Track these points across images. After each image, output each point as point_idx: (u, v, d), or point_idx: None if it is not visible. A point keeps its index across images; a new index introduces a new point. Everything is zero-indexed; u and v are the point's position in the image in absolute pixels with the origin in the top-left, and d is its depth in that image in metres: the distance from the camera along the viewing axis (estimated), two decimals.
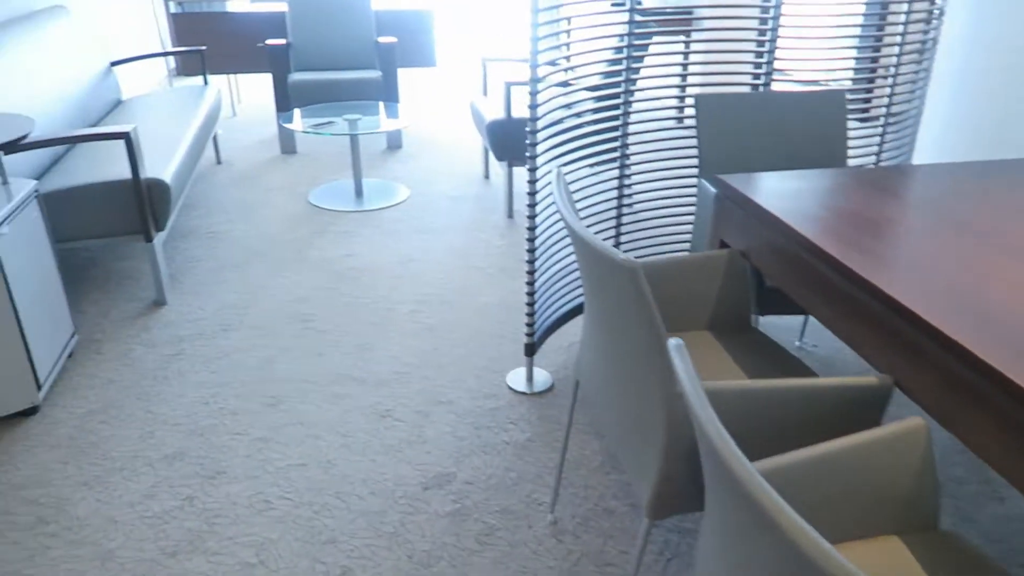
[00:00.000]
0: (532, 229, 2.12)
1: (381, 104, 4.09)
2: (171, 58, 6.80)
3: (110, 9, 5.09)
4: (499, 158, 3.55)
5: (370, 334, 2.59)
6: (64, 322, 2.38)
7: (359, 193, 3.88)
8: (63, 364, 2.36)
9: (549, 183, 2.44)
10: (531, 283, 2.18)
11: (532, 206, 2.09)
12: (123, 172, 2.67)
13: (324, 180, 4.11)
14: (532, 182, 2.06)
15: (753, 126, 2.07)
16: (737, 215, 1.72)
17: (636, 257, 2.17)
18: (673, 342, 0.92)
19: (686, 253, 1.83)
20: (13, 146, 2.07)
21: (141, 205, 2.64)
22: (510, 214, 3.61)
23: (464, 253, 3.21)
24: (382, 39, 4.54)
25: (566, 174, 2.09)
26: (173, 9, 6.15)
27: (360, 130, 3.58)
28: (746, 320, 1.77)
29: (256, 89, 6.35)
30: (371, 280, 2.98)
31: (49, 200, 2.58)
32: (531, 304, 2.20)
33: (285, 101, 4.47)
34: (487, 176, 4.16)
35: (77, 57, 3.63)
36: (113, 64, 4.08)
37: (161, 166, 2.80)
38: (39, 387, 2.14)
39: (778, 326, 2.62)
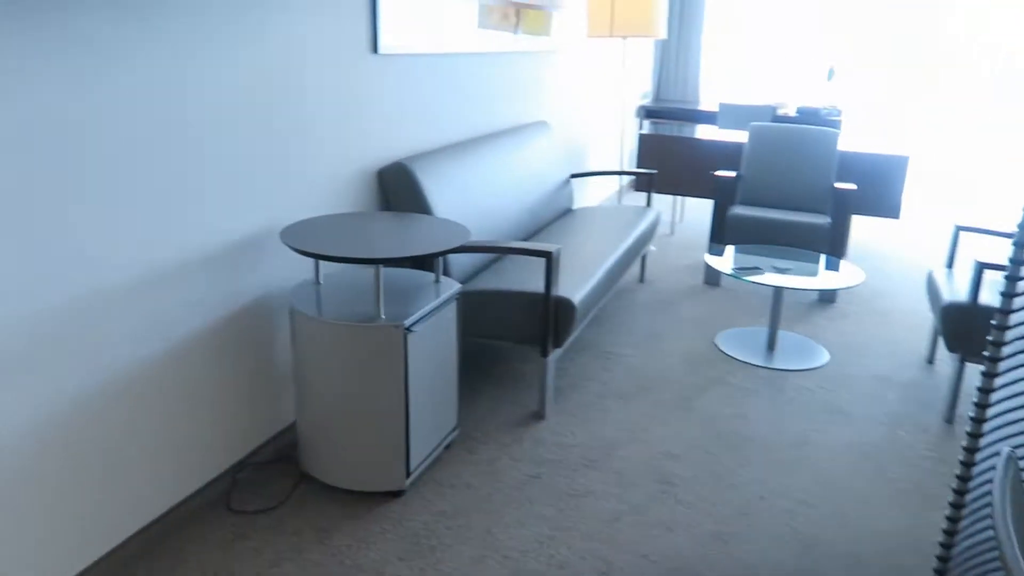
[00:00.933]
0: (971, 452, 1.60)
1: (822, 258, 3.71)
2: (622, 161, 7.28)
3: (586, 126, 5.60)
4: (950, 348, 2.91)
5: (731, 522, 2.24)
6: (450, 415, 2.52)
7: (771, 347, 3.54)
8: (438, 454, 2.49)
9: (1007, 399, 1.86)
10: (953, 521, 1.64)
11: (978, 421, 1.58)
12: (538, 286, 2.78)
13: (738, 322, 3.86)
14: (985, 391, 1.56)
15: None
16: None
17: None
18: None
19: None
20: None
21: (545, 321, 2.71)
22: (950, 419, 2.92)
23: (875, 453, 2.66)
24: (840, 185, 4.16)
25: None
26: (645, 130, 6.53)
27: (788, 284, 3.26)
28: None
29: (700, 211, 6.40)
30: (753, 454, 2.62)
31: (469, 297, 2.81)
32: (946, 548, 1.66)
33: (721, 233, 4.36)
34: (931, 361, 3.47)
35: (546, 168, 4.01)
36: (572, 176, 4.43)
37: (574, 286, 2.87)
38: (408, 474, 2.27)
39: None
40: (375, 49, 2.74)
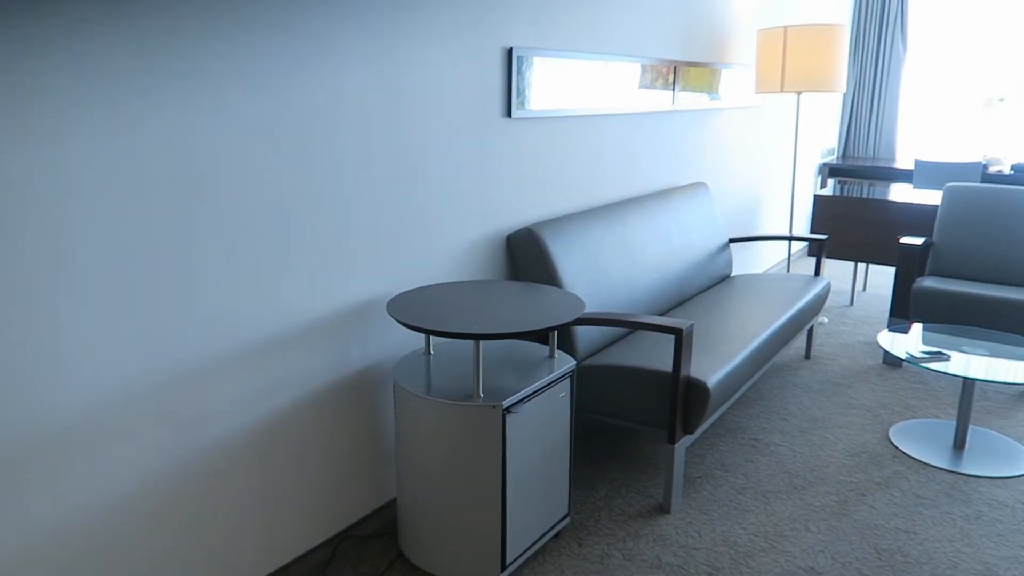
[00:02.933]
0: None
1: None
2: (791, 224, 6.73)
3: (753, 188, 5.25)
4: None
5: None
6: (560, 502, 2.32)
7: (959, 446, 3.00)
8: (544, 543, 2.30)
9: None
10: None
11: None
12: (668, 364, 2.54)
13: (920, 413, 3.33)
14: None
15: None
16: None
17: None
18: None
19: None
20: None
21: (674, 404, 2.45)
22: None
23: None
24: None
25: None
26: (829, 189, 6.05)
27: (978, 374, 2.76)
28: None
29: (887, 279, 5.75)
30: None
31: (591, 371, 2.61)
32: None
33: (904, 307, 3.84)
34: None
35: (700, 233, 3.75)
36: (731, 241, 4.12)
37: (712, 366, 2.59)
38: (504, 566, 2.10)
39: None
40: (508, 113, 2.68)
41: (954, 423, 3.22)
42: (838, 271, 6.00)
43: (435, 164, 2.42)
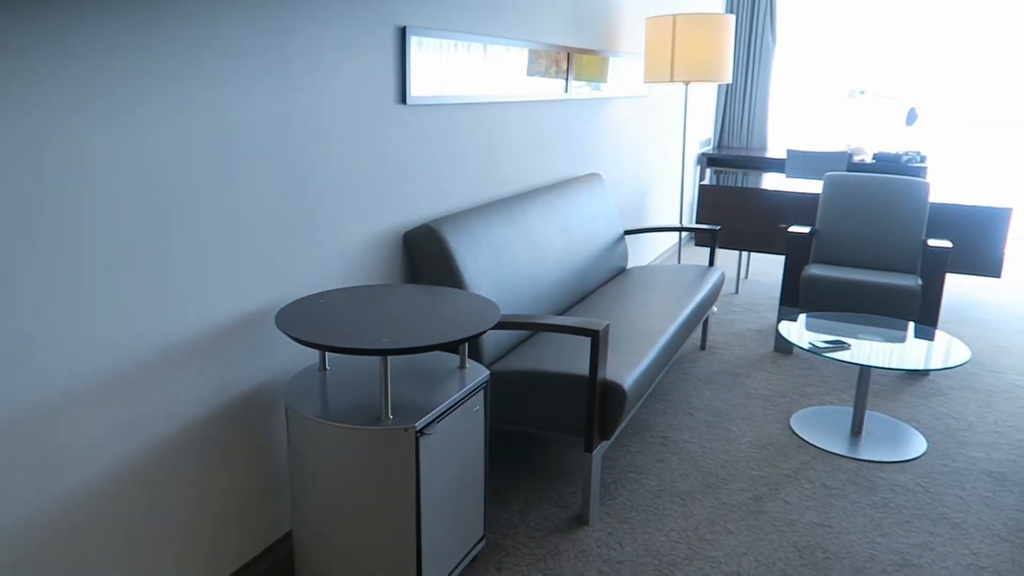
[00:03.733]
0: None
1: (910, 326, 3.23)
2: (681, 216, 6.86)
3: (642, 178, 5.24)
4: None
5: None
6: (475, 524, 2.14)
7: (856, 432, 3.05)
8: (460, 572, 2.10)
9: None
10: None
11: None
12: (582, 366, 2.40)
13: (815, 399, 3.38)
14: None
15: None
16: None
17: None
18: None
19: None
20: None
21: (591, 410, 2.32)
22: None
23: None
24: (933, 242, 3.68)
25: None
26: (706, 179, 6.16)
27: (877, 361, 2.80)
28: None
29: (768, 266, 5.93)
30: None
31: (500, 377, 2.44)
32: None
33: (794, 296, 3.91)
34: None
35: (597, 225, 3.65)
36: (627, 232, 4.05)
37: (625, 366, 2.47)
38: None
39: None
40: (403, 99, 2.45)
41: (849, 408, 3.29)
42: (720, 260, 6.12)
43: (325, 157, 2.16)
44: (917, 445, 2.97)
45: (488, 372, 2.10)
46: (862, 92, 6.41)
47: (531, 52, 3.27)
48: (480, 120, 2.96)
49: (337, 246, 2.25)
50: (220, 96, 1.79)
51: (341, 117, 2.20)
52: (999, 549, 2.31)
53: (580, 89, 3.84)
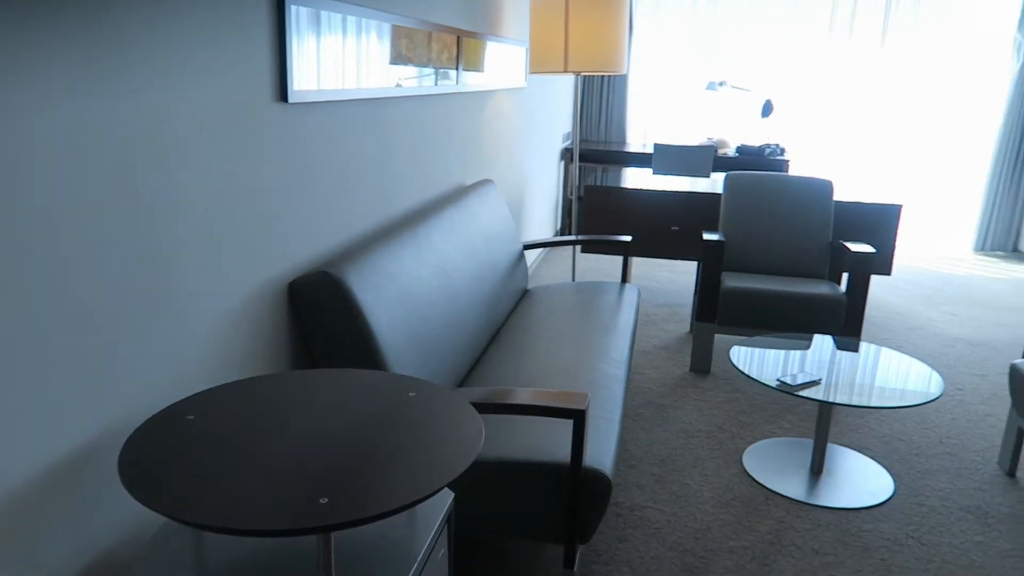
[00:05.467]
0: None
1: (828, 341, 2.93)
2: (559, 219, 6.46)
3: (517, 183, 4.72)
4: None
5: None
6: None
7: (816, 470, 2.71)
8: None
9: None
10: None
11: None
12: (555, 450, 1.82)
13: (757, 430, 3.02)
14: None
15: None
16: None
17: None
18: None
19: None
20: None
21: (572, 509, 1.74)
22: None
23: None
24: (856, 247, 3.43)
25: None
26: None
27: (852, 399, 2.45)
28: None
29: (646, 269, 5.62)
30: None
31: None
32: None
33: (711, 310, 3.54)
34: (1012, 475, 2.75)
35: (499, 242, 3.06)
36: (526, 247, 3.51)
37: (598, 444, 1.92)
38: None
39: None
40: (283, 95, 1.72)
41: (796, 439, 2.95)
42: (596, 264, 5.75)
43: (180, 187, 1.41)
44: (883, 482, 2.67)
45: (452, 495, 1.45)
46: (721, 84, 6.28)
47: (421, 34, 2.61)
48: (371, 120, 2.27)
49: (202, 316, 1.50)
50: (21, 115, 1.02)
51: (202, 126, 1.45)
52: None
53: (470, 80, 3.23)
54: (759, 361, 2.72)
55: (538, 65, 3.75)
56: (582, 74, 3.67)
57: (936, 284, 5.31)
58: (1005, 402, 3.37)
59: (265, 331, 1.77)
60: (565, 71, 3.63)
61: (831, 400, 2.40)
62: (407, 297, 2.07)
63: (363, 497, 1.07)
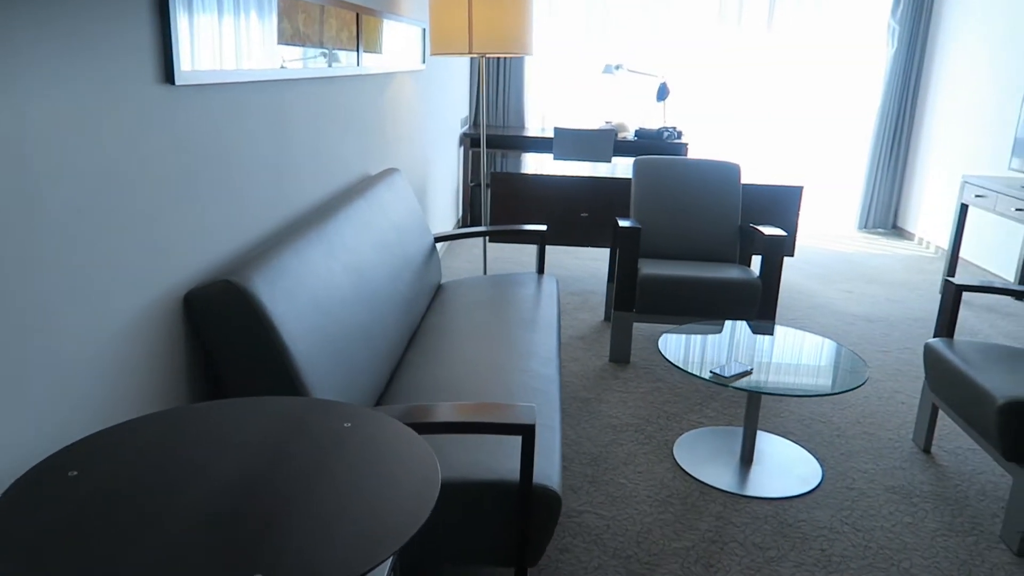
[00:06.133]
0: None
1: (743, 326, 2.92)
2: (460, 207, 6.27)
3: (421, 170, 4.50)
4: (1010, 457, 2.20)
5: None
6: None
7: (746, 460, 2.67)
8: None
9: None
10: None
11: None
12: (499, 467, 1.65)
13: (683, 420, 2.97)
14: None
15: None
16: None
17: None
18: None
19: None
20: None
21: (523, 530, 1.59)
22: (1022, 550, 2.21)
23: None
24: (768, 230, 3.42)
25: None
26: (497, 169, 5.57)
27: (784, 386, 2.41)
28: None
29: (558, 257, 5.53)
30: None
31: None
32: None
33: (629, 298, 3.46)
34: (927, 450, 2.81)
35: (412, 236, 2.86)
36: (437, 240, 3.31)
37: (544, 457, 1.77)
38: None
39: None
40: (169, 76, 1.46)
41: (723, 428, 2.91)
42: (505, 253, 5.61)
43: (47, 189, 1.14)
44: (811, 467, 2.66)
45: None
46: (617, 67, 6.25)
47: (319, 8, 2.36)
48: (269, 105, 2.02)
49: (82, 345, 1.24)
50: None
51: (70, 115, 1.19)
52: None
53: (371, 62, 2.98)
54: (686, 351, 2.65)
55: (440, 46, 3.54)
56: (487, 56, 3.49)
57: (828, 262, 5.49)
58: (910, 378, 3.47)
59: (159, 355, 1.51)
60: (470, 53, 3.44)
61: (765, 391, 2.35)
62: (321, 303, 1.85)
63: (304, 573, 0.87)
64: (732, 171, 3.81)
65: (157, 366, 1.51)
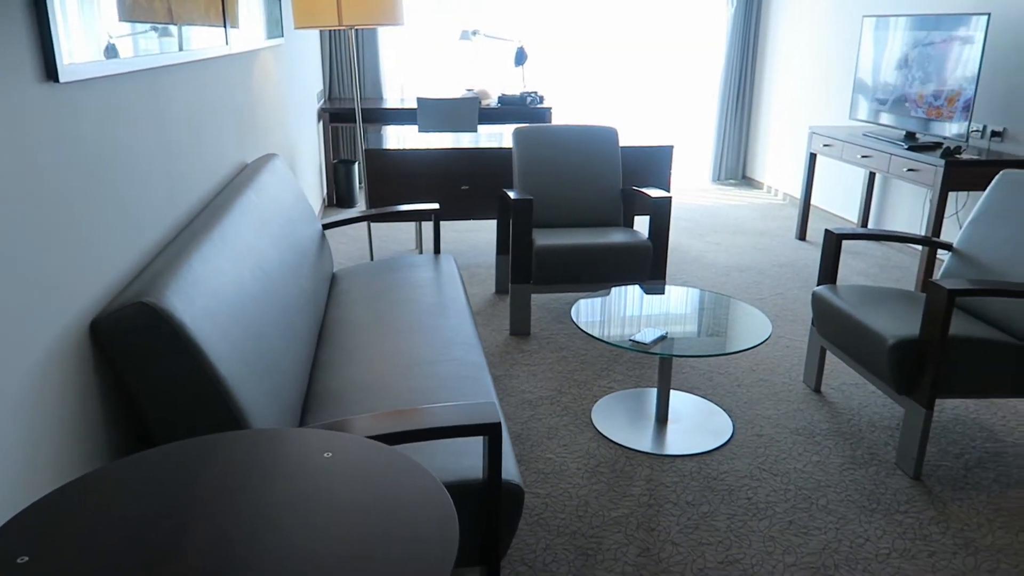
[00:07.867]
0: None
1: (634, 288, 3.01)
2: (324, 187, 6.00)
3: (288, 151, 4.25)
4: (901, 390, 2.40)
5: None
6: None
7: (661, 420, 2.75)
8: None
9: None
10: None
11: None
12: (465, 467, 1.59)
13: (592, 387, 3.01)
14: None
15: None
16: None
17: None
18: None
19: None
20: None
21: (492, 531, 1.54)
22: (916, 473, 2.43)
23: (914, 550, 2.02)
24: (655, 192, 3.49)
25: None
26: (369, 145, 5.36)
27: (700, 350, 2.48)
28: None
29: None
30: None
31: None
32: None
33: (525, 270, 3.45)
34: (818, 390, 3.01)
35: (303, 227, 2.68)
36: (325, 227, 3.13)
37: (503, 454, 1.72)
38: None
39: None
40: (52, 73, 1.25)
41: (633, 391, 2.98)
42: (386, 232, 5.43)
43: None
44: (721, 420, 2.78)
45: None
46: (474, 33, 6.15)
47: None
48: (150, 96, 1.80)
49: None
50: None
51: None
52: (881, 525, 2.19)
53: (238, 38, 2.74)
54: (599, 320, 2.67)
55: (305, 19, 3.31)
56: (355, 28, 3.31)
57: (692, 215, 5.74)
58: (787, 321, 3.70)
59: (70, 397, 1.31)
60: (340, 25, 3.24)
61: (689, 355, 2.41)
62: (238, 315, 1.68)
63: None
64: (611, 135, 3.86)
65: (67, 413, 1.31)
